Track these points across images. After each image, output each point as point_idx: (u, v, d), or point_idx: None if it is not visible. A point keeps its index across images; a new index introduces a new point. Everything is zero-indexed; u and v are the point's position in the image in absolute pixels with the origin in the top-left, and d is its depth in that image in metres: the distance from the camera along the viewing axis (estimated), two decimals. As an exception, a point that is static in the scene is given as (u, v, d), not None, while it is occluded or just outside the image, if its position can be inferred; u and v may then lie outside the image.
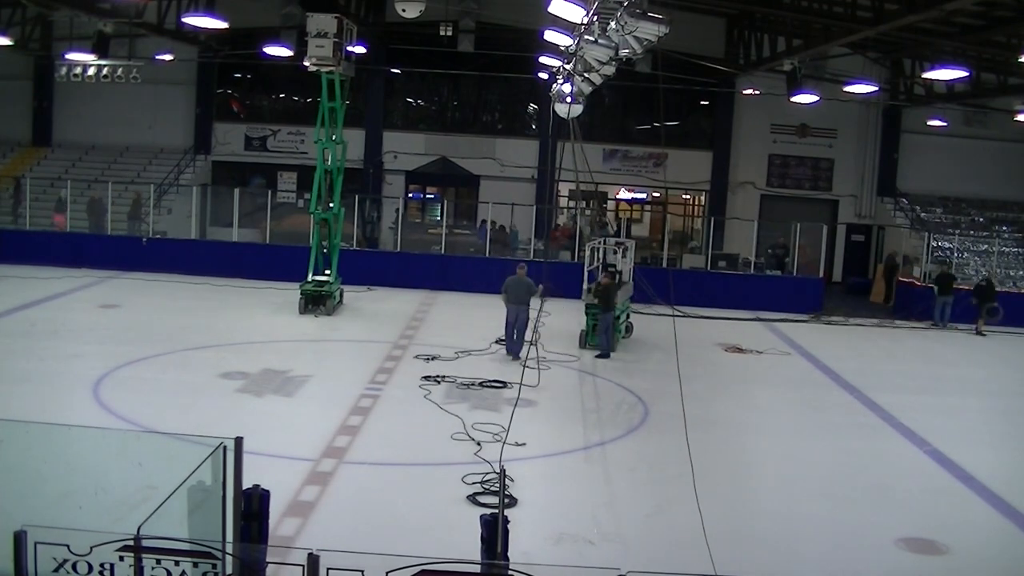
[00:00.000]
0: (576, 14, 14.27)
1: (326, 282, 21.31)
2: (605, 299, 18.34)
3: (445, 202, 33.59)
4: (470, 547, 6.99)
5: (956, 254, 27.87)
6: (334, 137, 21.32)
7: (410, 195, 33.73)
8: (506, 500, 7.27)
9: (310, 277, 21.23)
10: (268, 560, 6.31)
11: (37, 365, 15.13)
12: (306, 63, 20.20)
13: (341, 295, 22.19)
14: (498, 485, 10.41)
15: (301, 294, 20.94)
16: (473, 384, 15.49)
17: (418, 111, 34.22)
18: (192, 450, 10.59)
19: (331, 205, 21.85)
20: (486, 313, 22.88)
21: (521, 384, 12.17)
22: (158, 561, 5.68)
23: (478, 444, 12.20)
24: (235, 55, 30.04)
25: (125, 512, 8.95)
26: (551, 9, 14.50)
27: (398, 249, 27.42)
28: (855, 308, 26.87)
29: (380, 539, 9.04)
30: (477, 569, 6.49)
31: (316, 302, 20.91)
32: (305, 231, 26.93)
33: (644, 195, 34.93)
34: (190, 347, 17.08)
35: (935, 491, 11.93)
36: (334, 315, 21.02)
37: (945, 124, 30.85)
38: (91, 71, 27.74)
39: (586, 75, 16.37)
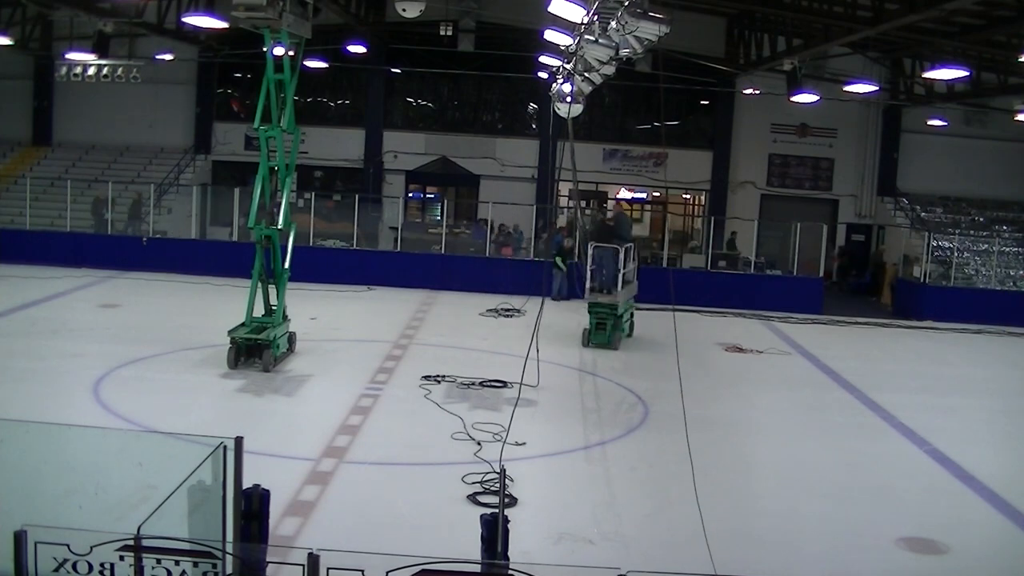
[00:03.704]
0: (576, 14, 14.27)
1: (267, 325, 16.07)
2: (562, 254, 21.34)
3: (445, 202, 33.61)
4: (470, 547, 6.99)
5: (956, 254, 27.90)
6: (282, 123, 15.72)
7: (410, 195, 33.75)
8: (506, 500, 7.27)
9: (248, 318, 16.13)
10: (268, 560, 6.31)
11: (37, 365, 15.12)
12: (234, 14, 15.04)
13: (291, 340, 17.00)
14: (498, 485, 10.43)
15: (231, 342, 15.67)
16: (473, 384, 15.49)
17: (418, 111, 34.23)
18: (192, 450, 10.59)
19: (278, 216, 16.06)
20: (487, 314, 22.95)
21: (521, 384, 12.18)
22: (158, 561, 5.69)
23: (478, 444, 12.20)
24: (235, 55, 30.02)
25: (125, 512, 8.94)
26: (551, 9, 14.49)
27: (398, 249, 27.42)
28: (857, 308, 26.91)
29: (380, 539, 9.04)
30: (477, 569, 6.49)
31: (253, 353, 15.78)
32: (305, 230, 27.02)
33: (644, 195, 34.95)
34: (190, 347, 17.07)
35: (935, 491, 11.93)
36: (275, 369, 15.66)
37: (945, 124, 30.86)
38: (91, 71, 27.74)
39: (586, 75, 16.36)
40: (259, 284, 16.31)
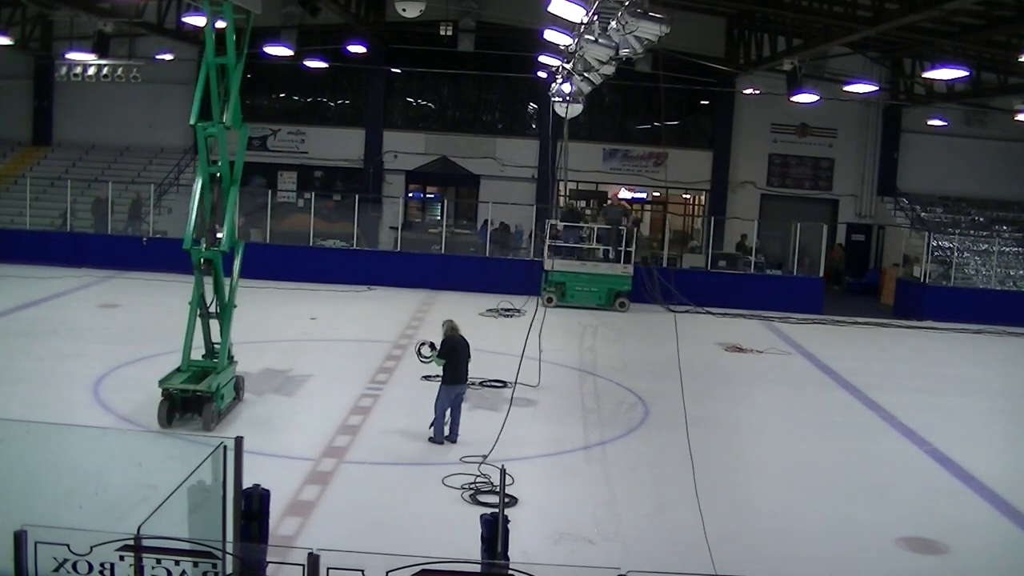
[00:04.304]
0: (576, 14, 14.29)
1: (208, 371, 12.77)
2: (458, 359, 12.61)
3: (445, 202, 33.61)
4: (470, 547, 6.99)
5: (956, 254, 27.90)
6: (224, 119, 12.61)
7: (410, 195, 33.76)
8: (506, 500, 7.27)
9: (184, 362, 12.93)
10: (268, 560, 6.31)
11: (37, 365, 15.12)
12: None
13: (239, 387, 13.64)
14: (486, 484, 10.43)
15: (163, 394, 12.41)
16: (473, 384, 15.46)
17: (418, 111, 34.22)
18: (192, 450, 10.59)
19: (219, 235, 13.01)
20: (487, 314, 22.96)
21: (516, 383, 12.17)
22: (158, 561, 5.69)
23: (483, 458, 12.07)
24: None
25: (125, 512, 8.94)
26: (551, 9, 14.50)
27: (398, 249, 27.42)
28: (857, 308, 26.90)
29: (380, 539, 9.04)
30: (477, 569, 6.49)
31: (189, 407, 12.45)
32: (305, 230, 27.03)
33: (644, 195, 34.95)
34: (190, 347, 17.06)
35: (935, 491, 11.93)
36: (217, 428, 12.22)
37: (945, 124, 30.86)
38: (91, 71, 27.75)
39: (586, 74, 16.40)
40: (216, 317, 13.39)
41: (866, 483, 11.90)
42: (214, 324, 13.51)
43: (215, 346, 13.30)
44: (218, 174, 12.98)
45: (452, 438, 12.56)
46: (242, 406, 13.65)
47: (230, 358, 13.40)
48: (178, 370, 12.90)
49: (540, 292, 23.96)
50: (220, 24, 12.41)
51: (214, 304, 13.39)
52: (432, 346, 12.66)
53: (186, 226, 12.98)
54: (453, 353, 12.52)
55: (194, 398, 12.41)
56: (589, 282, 24.61)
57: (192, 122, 12.53)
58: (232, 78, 12.64)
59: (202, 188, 12.90)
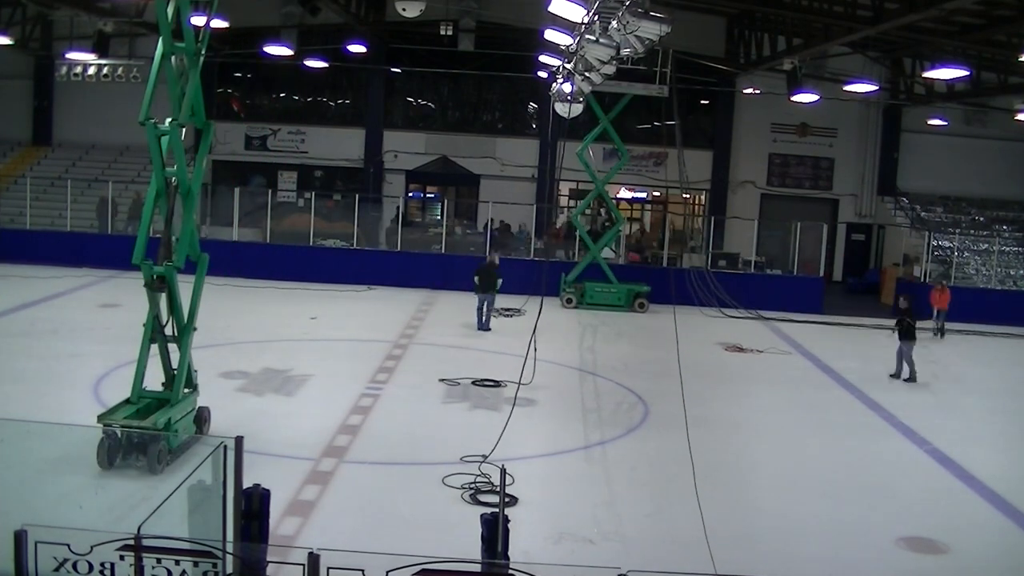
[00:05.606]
0: (577, 13, 14.29)
1: (163, 402, 11.27)
2: (486, 279, 20.53)
3: (445, 201, 33.62)
4: (470, 547, 6.99)
5: (956, 253, 27.89)
6: (180, 116, 11.05)
7: (410, 194, 33.77)
8: (506, 499, 7.27)
9: (135, 393, 11.32)
10: (268, 559, 6.31)
11: (37, 365, 15.12)
12: None
13: (201, 419, 11.92)
14: (486, 484, 10.43)
15: (105, 432, 10.54)
16: (473, 383, 15.48)
17: (418, 110, 34.23)
18: (192, 449, 10.62)
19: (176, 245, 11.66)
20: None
21: (520, 383, 12.18)
22: (158, 560, 5.70)
23: (483, 457, 12.08)
24: (235, 55, 30.04)
25: (125, 512, 8.96)
26: (551, 8, 14.51)
27: (398, 249, 27.42)
28: (857, 308, 26.89)
29: (380, 538, 9.04)
30: (477, 568, 6.49)
31: (136, 447, 10.62)
32: (305, 230, 27.03)
33: (644, 194, 34.94)
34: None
35: (935, 491, 11.93)
36: (166, 470, 10.43)
37: (945, 123, 30.87)
38: (91, 71, 27.78)
39: (586, 74, 16.39)
40: (171, 343, 11.63)
41: (866, 483, 11.89)
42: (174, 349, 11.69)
43: (174, 373, 11.57)
44: (174, 179, 11.34)
45: (486, 327, 20.38)
46: (243, 405, 13.64)
47: (192, 386, 11.86)
48: (127, 402, 11.28)
49: (559, 293, 23.97)
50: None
51: (171, 325, 11.63)
52: None
53: (137, 237, 11.48)
54: (480, 273, 20.62)
55: (140, 435, 10.62)
56: (608, 283, 24.61)
57: (141, 119, 10.83)
58: (191, 70, 11.27)
59: (157, 194, 11.30)
